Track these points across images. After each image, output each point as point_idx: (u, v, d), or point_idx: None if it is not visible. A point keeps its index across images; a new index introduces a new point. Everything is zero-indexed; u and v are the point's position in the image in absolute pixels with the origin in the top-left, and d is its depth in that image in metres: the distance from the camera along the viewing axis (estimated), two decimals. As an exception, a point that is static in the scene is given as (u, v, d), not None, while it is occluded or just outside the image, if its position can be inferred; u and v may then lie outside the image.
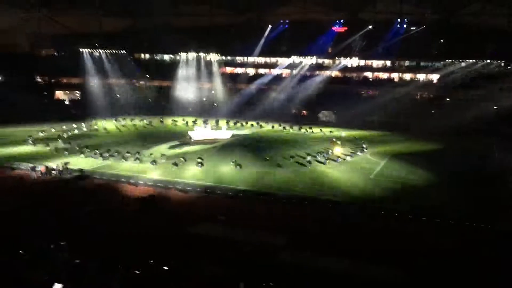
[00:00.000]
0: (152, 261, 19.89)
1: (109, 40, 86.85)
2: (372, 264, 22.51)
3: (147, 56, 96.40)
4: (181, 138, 53.93)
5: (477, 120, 60.53)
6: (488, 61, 74.68)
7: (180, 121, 66.96)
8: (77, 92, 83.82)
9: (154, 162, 40.80)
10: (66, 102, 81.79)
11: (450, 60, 77.13)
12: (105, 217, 28.04)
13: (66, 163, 38.26)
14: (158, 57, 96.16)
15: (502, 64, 75.14)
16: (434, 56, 79.65)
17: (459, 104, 66.87)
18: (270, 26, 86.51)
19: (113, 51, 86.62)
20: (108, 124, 62.54)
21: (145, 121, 65.96)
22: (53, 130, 55.64)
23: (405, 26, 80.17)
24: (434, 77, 79.40)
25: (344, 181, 37.20)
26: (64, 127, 56.62)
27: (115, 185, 35.21)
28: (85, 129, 58.65)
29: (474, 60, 75.34)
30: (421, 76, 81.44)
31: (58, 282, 16.80)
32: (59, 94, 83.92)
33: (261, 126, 64.96)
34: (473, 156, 47.55)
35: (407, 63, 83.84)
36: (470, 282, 21.10)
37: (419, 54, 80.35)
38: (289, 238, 25.48)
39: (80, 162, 41.04)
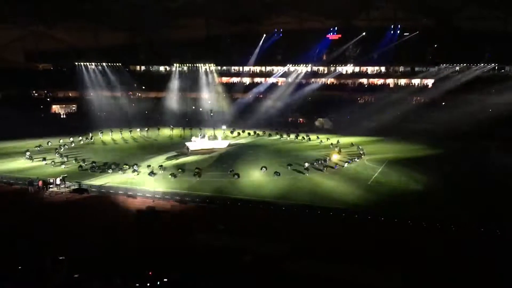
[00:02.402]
0: (151, 273, 19.79)
1: (105, 54, 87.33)
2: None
3: (143, 68, 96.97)
4: (178, 149, 53.88)
5: (473, 124, 60.85)
6: (482, 64, 75.31)
7: (176, 132, 66.97)
8: (73, 105, 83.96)
9: (152, 173, 40.78)
10: (63, 116, 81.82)
11: (444, 64, 77.76)
12: (105, 230, 27.94)
13: (63, 177, 38.17)
14: (154, 69, 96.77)
15: (496, 68, 75.84)
16: (428, 61, 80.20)
17: (455, 108, 67.12)
18: (264, 35, 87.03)
19: (109, 64, 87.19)
20: (105, 137, 62.50)
21: (142, 132, 66.00)
22: (49, 143, 55.51)
23: (398, 32, 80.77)
24: (429, 82, 79.89)
25: (342, 188, 37.27)
26: (61, 140, 56.48)
27: (114, 198, 35.13)
28: (82, 142, 58.56)
29: (468, 64, 76.02)
30: (416, 81, 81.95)
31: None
32: (56, 107, 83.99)
33: (258, 135, 64.98)
34: (470, 160, 47.87)
35: (401, 68, 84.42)
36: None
37: (413, 59, 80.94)
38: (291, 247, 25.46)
39: (77, 175, 41.00)
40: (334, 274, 22.09)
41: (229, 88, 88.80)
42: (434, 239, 26.62)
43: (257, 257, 23.59)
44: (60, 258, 20.59)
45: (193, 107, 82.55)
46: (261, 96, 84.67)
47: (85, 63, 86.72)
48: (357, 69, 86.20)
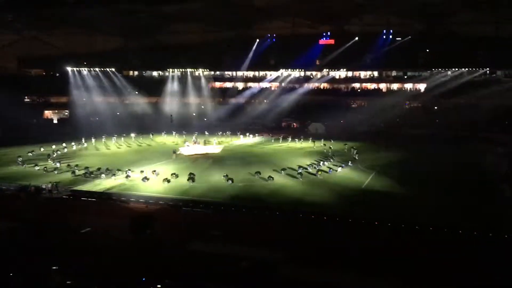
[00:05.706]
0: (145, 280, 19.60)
1: (98, 59, 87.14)
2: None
3: (136, 73, 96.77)
4: (172, 154, 53.71)
5: (465, 127, 61.26)
6: (474, 69, 75.83)
7: (170, 137, 66.81)
8: (66, 111, 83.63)
9: (145, 179, 40.56)
10: (55, 121, 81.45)
11: (436, 69, 78.24)
12: (98, 236, 27.70)
13: (56, 183, 37.90)
14: (147, 74, 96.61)
15: (488, 72, 76.39)
16: (421, 66, 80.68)
17: (447, 112, 67.54)
18: (257, 40, 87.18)
19: (102, 69, 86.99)
20: (97, 142, 62.22)
21: (135, 138, 65.81)
22: (42, 149, 55.16)
23: (390, 37, 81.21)
24: (422, 86, 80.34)
25: (335, 193, 37.20)
26: (53, 146, 56.15)
27: (107, 204, 34.90)
28: (74, 148, 58.23)
29: (460, 69, 76.53)
30: (409, 86, 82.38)
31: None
32: (48, 113, 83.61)
33: (251, 139, 64.97)
34: (465, 163, 48.38)
35: (394, 73, 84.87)
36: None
37: (405, 64, 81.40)
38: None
39: (70, 181, 40.72)
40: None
41: (223, 93, 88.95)
42: (431, 244, 26.59)
43: (253, 264, 23.34)
44: (54, 268, 20.31)
45: (187, 112, 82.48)
46: (255, 100, 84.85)
47: (77, 69, 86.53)
48: (350, 73, 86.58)
